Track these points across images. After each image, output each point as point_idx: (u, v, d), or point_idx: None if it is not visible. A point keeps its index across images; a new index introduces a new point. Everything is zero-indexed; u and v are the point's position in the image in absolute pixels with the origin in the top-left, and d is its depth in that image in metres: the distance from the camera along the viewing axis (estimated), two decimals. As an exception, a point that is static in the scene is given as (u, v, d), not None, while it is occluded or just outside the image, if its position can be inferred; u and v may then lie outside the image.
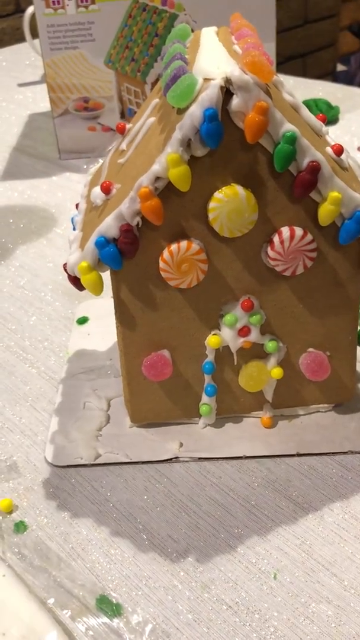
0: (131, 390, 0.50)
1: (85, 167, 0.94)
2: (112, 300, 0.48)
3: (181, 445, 0.50)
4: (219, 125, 0.40)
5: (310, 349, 0.49)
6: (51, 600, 0.41)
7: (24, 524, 0.46)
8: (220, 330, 0.48)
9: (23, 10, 2.07)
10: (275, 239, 0.44)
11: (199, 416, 0.51)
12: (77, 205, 0.52)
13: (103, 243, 0.43)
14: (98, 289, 0.45)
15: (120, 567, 0.44)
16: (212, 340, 0.48)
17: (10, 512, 0.47)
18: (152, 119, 0.46)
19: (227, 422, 0.52)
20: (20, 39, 1.99)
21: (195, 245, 0.44)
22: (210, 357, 0.49)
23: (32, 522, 0.47)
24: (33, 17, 1.21)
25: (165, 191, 0.42)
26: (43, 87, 1.26)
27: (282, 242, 0.44)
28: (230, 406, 0.51)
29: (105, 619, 0.41)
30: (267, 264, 0.46)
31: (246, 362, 0.49)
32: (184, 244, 0.44)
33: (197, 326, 0.48)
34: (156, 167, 0.41)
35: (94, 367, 0.58)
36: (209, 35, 0.48)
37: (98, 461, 0.50)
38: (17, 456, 0.52)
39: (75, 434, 0.51)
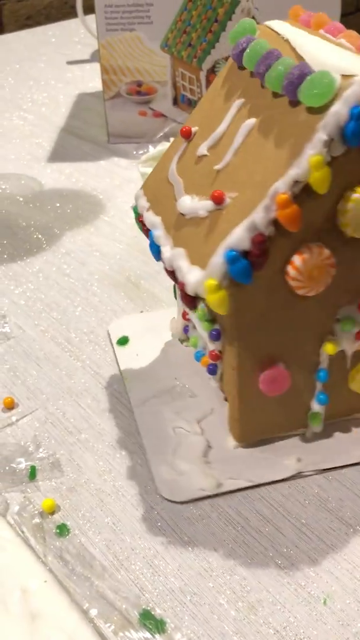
0: (242, 408, 0.47)
1: (134, 152, 0.92)
2: (142, 314, 0.48)
3: (299, 459, 0.48)
4: None
5: None
6: (94, 612, 0.40)
7: (66, 527, 0.45)
8: (335, 336, 0.46)
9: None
10: None
11: (306, 426, 0.49)
12: (140, 220, 0.49)
13: (235, 257, 0.40)
14: (226, 307, 0.42)
15: (165, 580, 0.42)
16: (328, 347, 0.46)
17: (52, 513, 0.46)
18: (252, 120, 0.43)
19: (332, 428, 0.50)
20: (68, 14, 1.96)
21: (326, 250, 0.42)
22: (325, 365, 0.47)
23: (74, 526, 0.45)
24: (87, -7, 1.19)
25: (299, 195, 0.40)
26: (93, 66, 1.24)
27: None
28: (336, 411, 0.49)
29: (148, 635, 0.39)
30: None
31: (355, 364, 0.48)
32: (316, 249, 0.41)
33: (312, 334, 0.46)
34: (295, 171, 0.39)
35: (162, 389, 0.54)
36: (291, 30, 0.46)
37: (221, 490, 0.46)
38: (60, 454, 0.50)
39: (183, 465, 0.48)
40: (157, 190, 0.50)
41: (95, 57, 1.27)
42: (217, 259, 0.41)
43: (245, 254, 0.41)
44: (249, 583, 0.42)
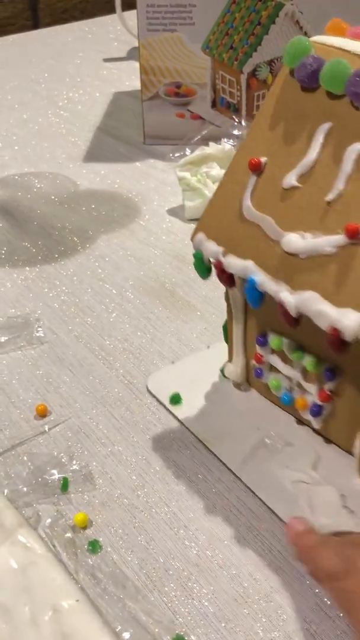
0: None
1: (170, 155, 0.91)
2: (176, 365, 0.50)
3: None
4: None
5: None
6: (126, 635, 0.39)
7: (98, 543, 0.44)
8: None
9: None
10: None
11: None
12: (218, 268, 0.46)
13: None
14: None
15: (199, 604, 0.41)
16: None
17: (84, 528, 0.45)
18: (358, 145, 0.41)
19: None
20: (103, 8, 1.95)
21: None
22: None
23: (106, 543, 0.44)
24: (125, -9, 1.18)
25: None
26: (129, 64, 1.23)
27: None
28: None
29: (181, 661, 0.38)
30: None
31: None
32: None
33: None
34: None
35: (254, 444, 0.49)
36: (353, 44, 0.44)
37: None
38: (92, 466, 0.49)
39: (331, 522, 0.43)
40: (230, 232, 0.46)
41: (131, 55, 1.26)
42: None
43: None
44: (285, 612, 0.41)
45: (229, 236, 0.46)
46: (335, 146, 0.42)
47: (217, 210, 0.47)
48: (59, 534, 0.45)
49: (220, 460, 0.49)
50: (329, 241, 0.40)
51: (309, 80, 0.44)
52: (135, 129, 0.98)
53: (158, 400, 0.54)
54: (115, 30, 1.37)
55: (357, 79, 0.41)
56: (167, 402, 0.54)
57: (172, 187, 0.83)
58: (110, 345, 0.60)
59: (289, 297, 0.42)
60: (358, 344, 0.39)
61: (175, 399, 0.54)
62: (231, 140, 0.82)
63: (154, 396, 0.54)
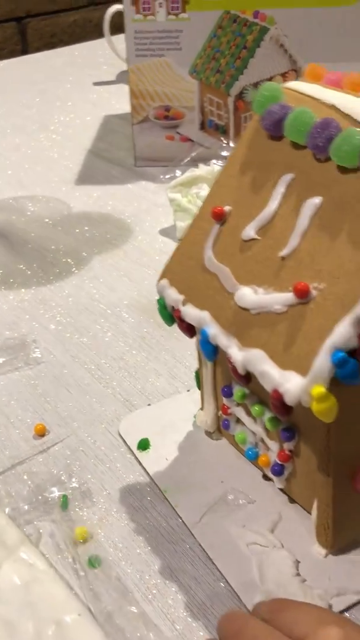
0: (336, 515, 0.43)
1: (161, 176, 0.93)
2: (150, 408, 0.49)
3: None
4: None
5: None
6: (127, 647, 0.40)
7: (98, 558, 0.45)
8: None
9: (96, 4, 2.06)
10: None
11: None
12: (177, 317, 0.46)
13: (344, 359, 0.36)
14: (334, 414, 0.38)
15: (197, 616, 0.42)
16: None
17: (85, 541, 0.46)
18: (317, 199, 0.40)
19: None
20: (92, 32, 1.98)
21: None
22: None
23: (106, 557, 0.45)
24: (114, 15, 1.20)
25: None
26: (119, 87, 1.25)
27: None
28: None
29: (182, 671, 0.39)
30: None
31: None
32: None
33: None
34: None
35: (214, 499, 0.48)
36: (329, 93, 0.43)
37: (334, 611, 0.41)
38: (91, 483, 0.51)
39: (279, 591, 0.42)
40: (191, 280, 0.45)
41: (121, 78, 1.29)
42: (323, 362, 0.37)
43: (351, 352, 0.37)
44: (282, 620, 0.42)
45: (189, 284, 0.45)
46: (295, 199, 0.41)
47: (181, 257, 0.47)
48: (59, 551, 0.46)
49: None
50: (279, 299, 0.40)
51: (274, 128, 0.43)
52: (126, 151, 1.00)
53: (127, 445, 0.53)
54: (105, 54, 1.40)
55: (319, 130, 0.40)
56: (134, 448, 0.53)
57: (163, 208, 0.85)
58: (106, 364, 0.62)
59: (237, 354, 0.41)
60: (301, 409, 0.38)
61: (143, 445, 0.53)
62: (220, 162, 0.84)
63: (123, 440, 0.54)
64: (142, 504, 0.49)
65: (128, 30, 0.90)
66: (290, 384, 0.38)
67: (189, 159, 0.95)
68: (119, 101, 1.19)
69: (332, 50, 0.88)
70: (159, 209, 0.86)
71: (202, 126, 0.95)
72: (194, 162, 0.87)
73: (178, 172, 0.90)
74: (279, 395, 0.39)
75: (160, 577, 0.44)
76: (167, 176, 0.93)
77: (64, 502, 0.49)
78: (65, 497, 0.49)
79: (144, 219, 0.84)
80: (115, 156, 1.00)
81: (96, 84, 1.28)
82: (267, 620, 0.35)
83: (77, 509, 0.49)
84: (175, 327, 0.65)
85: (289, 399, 0.38)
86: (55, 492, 0.49)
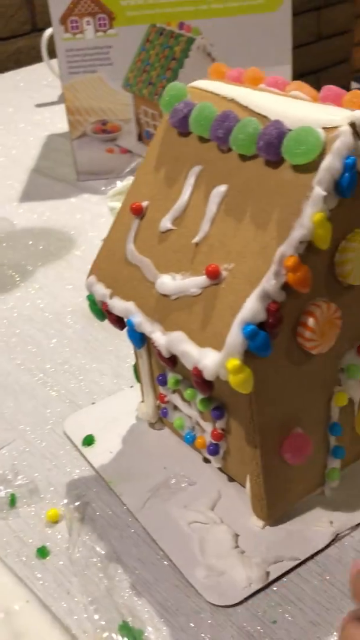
0: (267, 486, 0.45)
1: (103, 188, 0.95)
2: (95, 406, 0.50)
3: (331, 522, 0.46)
4: (357, 174, 0.39)
5: None
6: (75, 627, 0.42)
7: (46, 549, 0.47)
8: (342, 386, 0.45)
9: (40, 30, 2.09)
10: None
11: (323, 484, 0.48)
12: (104, 309, 0.47)
13: (254, 331, 0.38)
14: (251, 385, 0.40)
15: (142, 593, 0.44)
16: (339, 399, 0.45)
17: (56, 522, 0.48)
18: (223, 187, 0.43)
19: (347, 478, 0.49)
20: (37, 57, 2.01)
21: (332, 304, 0.41)
22: (336, 417, 0.46)
23: (54, 547, 0.47)
24: (51, 38, 1.23)
25: (303, 255, 0.39)
26: (61, 108, 1.27)
27: None
28: (347, 460, 0.48)
29: (128, 645, 0.41)
30: None
31: None
32: (324, 305, 0.41)
33: (322, 389, 0.45)
34: (299, 232, 0.38)
35: (157, 484, 0.50)
36: (230, 89, 0.46)
37: (271, 578, 0.43)
38: (38, 480, 0.52)
39: (218, 563, 0.44)
40: (116, 274, 0.48)
41: (62, 98, 1.30)
42: (235, 336, 0.39)
43: (261, 325, 0.39)
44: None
45: (115, 278, 0.48)
46: (204, 189, 0.44)
47: (107, 253, 0.49)
48: (9, 544, 0.47)
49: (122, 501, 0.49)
50: (194, 282, 0.42)
51: (180, 125, 0.46)
52: (69, 167, 1.02)
53: (72, 443, 0.55)
54: (46, 77, 1.42)
55: (219, 122, 0.43)
56: (80, 444, 0.54)
57: (105, 218, 0.87)
58: (52, 369, 0.63)
59: (160, 338, 0.43)
60: (224, 385, 0.40)
61: (88, 441, 0.54)
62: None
63: (68, 438, 0.55)
64: (88, 496, 0.51)
65: (59, 50, 0.92)
66: (208, 359, 0.40)
67: (129, 169, 0.98)
68: (61, 120, 1.20)
69: (258, 55, 0.91)
70: (101, 219, 0.88)
71: (140, 137, 0.98)
72: (134, 173, 0.89)
73: (119, 183, 0.93)
74: (198, 372, 0.41)
75: (106, 560, 0.46)
76: (109, 188, 0.95)
77: (12, 500, 0.50)
78: (13, 495, 0.50)
79: (87, 230, 0.86)
80: (58, 173, 1.02)
81: (38, 105, 1.30)
82: None
83: (25, 506, 0.50)
84: (119, 332, 0.67)
85: (208, 374, 0.40)
86: (3, 491, 0.51)
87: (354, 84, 2.62)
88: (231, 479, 0.50)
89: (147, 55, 0.92)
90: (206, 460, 0.51)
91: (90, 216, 0.90)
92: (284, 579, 0.44)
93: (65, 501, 0.50)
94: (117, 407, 0.58)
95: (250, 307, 0.39)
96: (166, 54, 0.92)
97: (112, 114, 0.97)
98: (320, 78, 2.54)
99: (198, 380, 0.42)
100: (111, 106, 0.96)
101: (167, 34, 0.91)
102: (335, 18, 2.52)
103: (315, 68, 2.50)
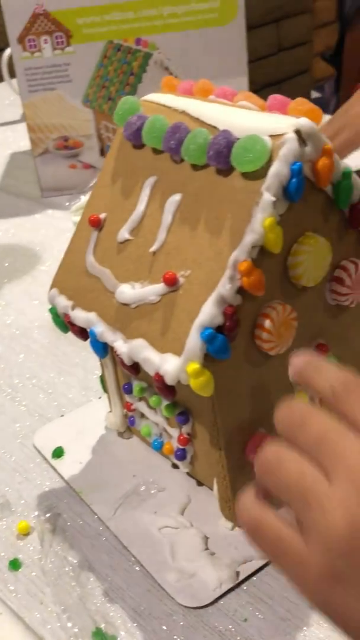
0: (234, 487, 0.45)
1: (67, 204, 0.96)
2: (63, 418, 0.51)
3: None
4: (304, 179, 0.40)
5: None
6: (49, 637, 0.42)
7: (18, 561, 0.47)
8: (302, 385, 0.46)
9: (1, 49, 2.10)
10: (342, 275, 0.45)
11: None
12: (67, 321, 0.48)
13: (212, 335, 0.39)
14: (212, 388, 0.40)
15: (114, 600, 0.44)
16: (300, 398, 0.45)
17: (27, 534, 0.49)
18: (177, 196, 0.44)
19: None
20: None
21: (287, 306, 0.42)
22: None
23: (26, 559, 0.47)
24: (10, 57, 1.24)
25: (256, 259, 0.40)
26: (23, 126, 1.26)
27: (349, 275, 0.45)
28: None
29: (101, 651, 0.41)
30: (330, 301, 0.46)
31: (321, 407, 0.48)
32: (279, 307, 0.42)
33: (282, 389, 0.44)
34: (251, 237, 0.39)
35: (127, 492, 0.51)
36: (180, 101, 0.47)
37: (241, 578, 0.44)
38: (9, 494, 0.52)
39: (189, 566, 0.45)
40: (77, 286, 0.48)
41: (24, 117, 1.31)
42: (194, 341, 0.40)
43: (219, 328, 0.40)
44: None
45: (76, 290, 0.49)
46: (159, 199, 0.45)
47: (68, 265, 0.50)
48: (-20, 559, 0.48)
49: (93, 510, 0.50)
50: (153, 290, 0.43)
51: (134, 137, 0.47)
52: (33, 184, 1.03)
53: (42, 456, 0.55)
54: (9, 96, 1.43)
55: (171, 134, 0.44)
56: (49, 457, 0.55)
57: (70, 233, 0.86)
58: (20, 384, 0.64)
59: (122, 346, 0.44)
60: (187, 390, 0.41)
61: (58, 453, 0.55)
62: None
63: (38, 451, 0.56)
64: (59, 507, 0.51)
65: (18, 68, 0.93)
66: (168, 365, 0.41)
67: (92, 184, 0.99)
68: (24, 138, 1.20)
69: (215, 68, 0.93)
70: (66, 234, 0.88)
71: (102, 152, 0.99)
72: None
73: (83, 198, 0.93)
74: (160, 378, 0.42)
75: (78, 569, 0.46)
76: (73, 203, 0.96)
77: (-17, 515, 0.50)
78: (-16, 510, 0.51)
79: (52, 245, 0.87)
80: (22, 190, 1.03)
81: (1, 124, 1.31)
82: (332, 392, 0.31)
83: (-4, 520, 0.50)
84: (86, 345, 0.67)
85: (169, 379, 0.41)
86: (-27, 506, 0.51)
87: (314, 93, 2.66)
88: (200, 483, 0.51)
89: (106, 71, 0.94)
90: (175, 466, 0.52)
91: (55, 231, 0.90)
92: (254, 578, 0.45)
93: (37, 513, 0.51)
94: (85, 419, 0.58)
95: (208, 312, 0.40)
96: (124, 69, 0.94)
97: (74, 130, 0.98)
98: (282, 88, 2.58)
99: (160, 386, 0.42)
100: (72, 122, 0.97)
101: (124, 50, 0.93)
102: (294, 30, 2.56)
103: (276, 79, 2.53)
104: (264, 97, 0.46)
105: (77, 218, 0.82)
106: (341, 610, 0.28)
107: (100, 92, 0.95)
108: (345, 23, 2.39)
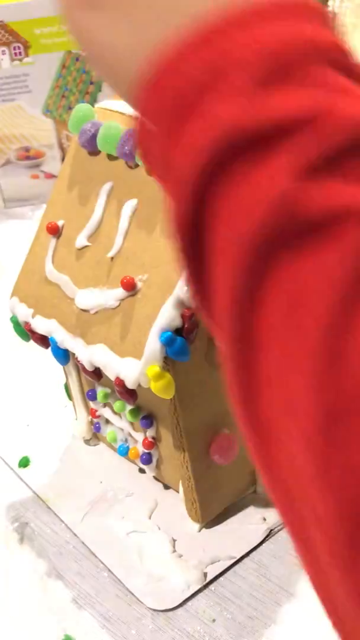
0: (199, 488, 0.46)
1: (30, 213, 0.96)
2: (29, 428, 0.51)
3: (264, 519, 0.47)
4: None
5: None
6: (16, 645, 0.42)
7: (-15, 572, 0.47)
8: None
9: None
10: None
11: (254, 482, 0.49)
12: (27, 329, 0.48)
13: (171, 337, 0.40)
14: (172, 390, 0.41)
15: (83, 607, 0.44)
16: None
17: None
18: (133, 201, 0.44)
19: None
20: None
21: None
22: None
23: (-7, 570, 0.47)
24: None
25: None
26: (-15, 138, 1.27)
27: None
28: None
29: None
30: None
31: None
32: None
33: None
34: None
35: (94, 499, 0.51)
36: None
37: (208, 579, 0.44)
38: (-25, 505, 0.52)
39: (157, 569, 0.45)
40: (37, 294, 0.48)
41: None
42: (153, 344, 0.40)
43: (177, 331, 0.40)
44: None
45: (36, 298, 0.49)
46: (116, 204, 0.45)
47: (27, 273, 0.50)
48: None
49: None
50: (112, 295, 0.43)
51: (89, 144, 0.47)
52: (-4, 195, 1.02)
53: (8, 466, 0.55)
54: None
55: (125, 140, 0.44)
56: (16, 466, 0.54)
57: (34, 243, 0.87)
58: (-15, 395, 0.63)
59: (82, 352, 0.44)
60: (148, 394, 0.41)
61: (24, 462, 0.54)
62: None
63: (4, 461, 0.55)
64: (26, 517, 0.51)
65: (-24, 80, 0.93)
66: (129, 368, 0.42)
67: (55, 194, 0.99)
68: (-14, 150, 1.21)
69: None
70: (29, 244, 0.88)
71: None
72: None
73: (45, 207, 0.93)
74: (120, 382, 0.42)
75: (46, 577, 0.46)
76: (36, 212, 0.96)
77: None
78: None
79: (16, 255, 0.86)
80: (-15, 202, 1.02)
81: None
82: None
83: None
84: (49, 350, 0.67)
85: (129, 383, 0.42)
86: None
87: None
88: (167, 487, 0.51)
89: (65, 81, 0.94)
90: (142, 471, 0.52)
91: (18, 242, 0.90)
92: (222, 578, 0.45)
93: (4, 523, 0.50)
94: (51, 427, 0.58)
95: (166, 315, 0.40)
96: (83, 78, 0.94)
97: (35, 140, 0.97)
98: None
99: (121, 390, 0.43)
100: (33, 132, 0.97)
101: (83, 60, 0.93)
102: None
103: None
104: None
105: (40, 228, 0.82)
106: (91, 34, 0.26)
107: (61, 101, 0.95)
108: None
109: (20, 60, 0.92)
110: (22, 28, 0.90)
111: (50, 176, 0.99)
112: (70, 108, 0.95)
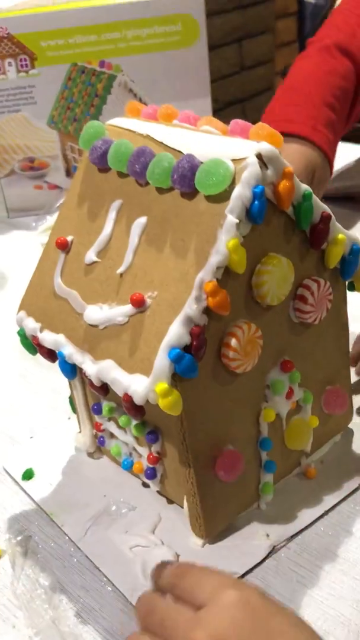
0: (204, 504, 0.46)
1: (33, 224, 0.96)
2: (33, 440, 0.51)
3: (267, 535, 0.48)
4: (266, 201, 0.41)
5: (328, 387, 0.51)
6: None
7: (-11, 585, 0.47)
8: (269, 402, 0.47)
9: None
10: (305, 293, 0.46)
11: (258, 498, 0.50)
12: (35, 343, 0.48)
13: (179, 355, 0.40)
14: (180, 407, 0.41)
15: (87, 621, 0.44)
16: (267, 415, 0.47)
17: None
18: (143, 219, 0.45)
19: (280, 492, 0.50)
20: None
21: (253, 324, 0.43)
22: (265, 433, 0.48)
23: (-3, 583, 0.47)
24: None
25: (221, 279, 0.41)
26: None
27: (312, 294, 0.46)
28: (278, 474, 0.50)
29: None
30: (295, 319, 0.47)
31: (288, 423, 0.49)
32: (245, 326, 0.43)
33: (250, 406, 0.47)
34: (216, 258, 0.40)
35: (98, 512, 0.51)
36: (145, 125, 0.48)
37: None
38: (-21, 517, 0.52)
39: None
40: (45, 308, 0.49)
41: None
42: (161, 360, 0.40)
43: (186, 348, 0.41)
44: None
45: (45, 312, 0.49)
46: (126, 221, 0.46)
47: (35, 287, 0.50)
48: None
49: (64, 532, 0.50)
50: (121, 311, 0.44)
51: (100, 161, 0.47)
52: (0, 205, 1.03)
53: (12, 478, 0.55)
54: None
55: (136, 158, 0.45)
56: (19, 479, 0.55)
57: (37, 253, 0.87)
58: (-13, 406, 0.64)
59: (90, 367, 0.45)
60: (155, 410, 0.42)
61: (28, 475, 0.55)
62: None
63: (8, 474, 0.56)
64: (30, 530, 0.51)
65: (-18, 91, 0.94)
66: (137, 385, 0.42)
67: (58, 205, 0.99)
68: (-10, 159, 1.21)
69: (178, 90, 0.95)
70: (33, 254, 0.88)
71: (68, 173, 0.99)
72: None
73: (49, 218, 0.94)
74: (128, 398, 0.42)
75: (50, 591, 0.46)
76: (39, 223, 0.97)
77: None
78: None
79: (19, 266, 0.87)
80: (-12, 211, 1.03)
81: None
82: (170, 584, 0.37)
83: None
84: (53, 366, 0.68)
85: (137, 399, 0.42)
86: None
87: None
88: (170, 502, 0.51)
89: (70, 93, 0.95)
90: (145, 485, 0.52)
91: (21, 252, 0.91)
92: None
93: (7, 536, 0.50)
94: (55, 440, 0.59)
95: (175, 332, 0.41)
96: (89, 91, 0.95)
97: (39, 151, 0.98)
98: (246, 107, 2.61)
99: (129, 406, 0.43)
100: (37, 144, 0.98)
101: (88, 72, 0.94)
102: (256, 49, 2.60)
103: (239, 97, 2.56)
104: (228, 116, 0.46)
105: (45, 239, 0.83)
106: None
107: (65, 113, 0.96)
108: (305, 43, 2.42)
109: (27, 72, 0.93)
110: (29, 40, 0.91)
111: (54, 187, 1.00)
112: (75, 120, 0.96)
